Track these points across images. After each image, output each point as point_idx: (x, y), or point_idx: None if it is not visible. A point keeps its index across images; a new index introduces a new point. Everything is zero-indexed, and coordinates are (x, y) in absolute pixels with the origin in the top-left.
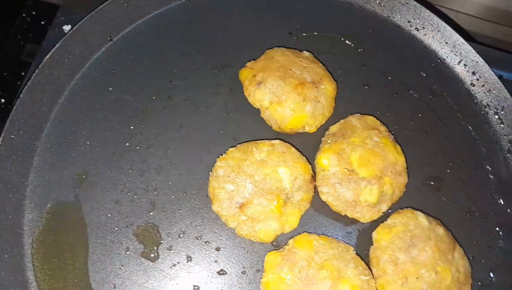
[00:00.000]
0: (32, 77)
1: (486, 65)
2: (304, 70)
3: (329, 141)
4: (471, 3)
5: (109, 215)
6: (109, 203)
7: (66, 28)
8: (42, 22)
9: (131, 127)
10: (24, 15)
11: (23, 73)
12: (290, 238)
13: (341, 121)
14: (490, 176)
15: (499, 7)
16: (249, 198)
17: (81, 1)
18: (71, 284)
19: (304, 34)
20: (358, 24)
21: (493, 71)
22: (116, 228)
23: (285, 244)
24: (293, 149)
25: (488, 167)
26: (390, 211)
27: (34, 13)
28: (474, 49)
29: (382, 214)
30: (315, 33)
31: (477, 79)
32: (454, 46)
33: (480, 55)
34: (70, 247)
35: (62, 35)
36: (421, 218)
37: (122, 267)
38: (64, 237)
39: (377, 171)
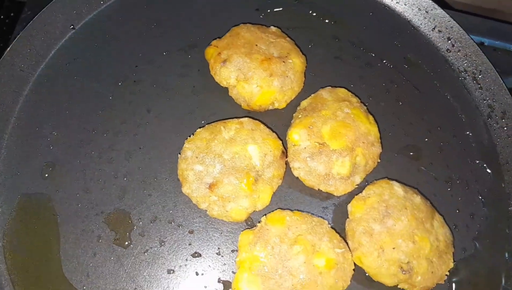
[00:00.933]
0: None
1: (461, 29)
2: (270, 45)
3: (300, 116)
4: None
5: (79, 204)
6: (79, 192)
7: None
8: (6, 21)
9: (98, 114)
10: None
11: None
12: (263, 216)
13: (312, 95)
14: (471, 142)
15: None
16: (219, 177)
17: None
18: (44, 275)
19: (271, 10)
20: None
21: (470, 36)
22: (87, 217)
23: (258, 222)
24: (262, 126)
25: (468, 133)
26: (366, 183)
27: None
28: (448, 14)
29: (357, 186)
30: (282, 8)
31: (453, 45)
32: (427, 12)
33: (460, 23)
34: (41, 238)
35: None
36: (397, 187)
37: (94, 255)
38: (35, 229)
39: (348, 143)
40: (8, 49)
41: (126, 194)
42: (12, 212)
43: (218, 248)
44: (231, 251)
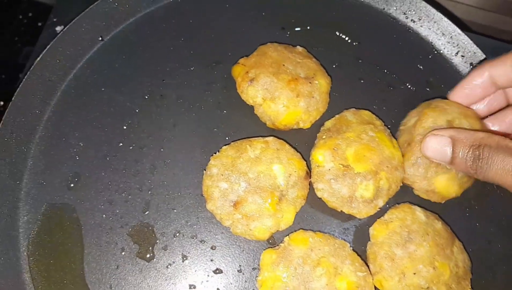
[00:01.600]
0: (24, 80)
1: (484, 55)
2: (297, 66)
3: (324, 137)
4: None
5: (103, 215)
6: (103, 204)
7: (59, 29)
8: (39, 24)
9: (124, 127)
10: (20, 17)
11: (20, 75)
12: (286, 236)
13: (336, 116)
14: None
15: None
16: (243, 196)
17: (75, 1)
18: (67, 285)
19: (297, 29)
20: (353, 17)
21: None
22: (111, 229)
23: (281, 242)
24: (287, 145)
25: None
26: (388, 206)
27: (30, 14)
28: (471, 40)
29: (379, 209)
30: (308, 28)
31: None
32: (451, 37)
33: (478, 46)
34: (65, 248)
35: (55, 36)
36: (419, 213)
37: (117, 268)
38: (59, 239)
39: (373, 166)
40: (38, 59)
41: (150, 208)
42: (37, 221)
43: (240, 266)
44: (252, 269)
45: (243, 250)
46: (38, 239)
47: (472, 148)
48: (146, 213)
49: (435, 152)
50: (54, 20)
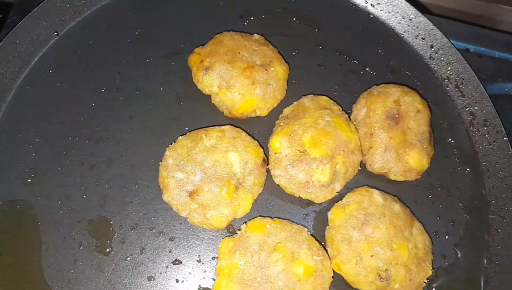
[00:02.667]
0: None
1: (445, 37)
2: (253, 53)
3: (281, 124)
4: None
5: (60, 211)
6: (60, 199)
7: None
8: None
9: (80, 121)
10: None
11: None
12: (242, 224)
13: (294, 103)
14: (453, 150)
15: None
16: (199, 185)
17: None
18: (26, 282)
19: (255, 17)
20: (313, 3)
21: (453, 44)
22: (68, 224)
23: (239, 230)
24: (243, 133)
25: (450, 140)
26: (348, 190)
27: None
28: (432, 22)
29: (337, 193)
30: (267, 16)
31: (436, 52)
32: (411, 20)
33: (445, 29)
34: (23, 245)
35: None
36: (376, 195)
37: (75, 262)
38: (17, 235)
39: (329, 151)
40: None
41: (108, 201)
42: None
43: (199, 256)
44: (212, 258)
45: (202, 240)
46: None
47: None
48: (104, 207)
49: None
50: (15, 17)
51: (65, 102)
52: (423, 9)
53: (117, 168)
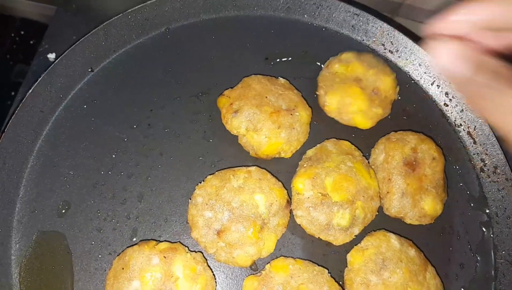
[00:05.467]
0: (16, 111)
1: None
2: (279, 98)
3: (305, 165)
4: None
5: (92, 243)
6: (92, 231)
7: (51, 56)
8: (31, 42)
9: (113, 156)
10: (12, 34)
11: (12, 93)
12: (268, 262)
13: (318, 145)
14: (464, 194)
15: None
16: (227, 225)
17: (68, 26)
18: None
19: (280, 60)
20: (333, 48)
21: None
22: (100, 256)
23: (263, 269)
24: (269, 175)
25: (461, 185)
26: (365, 232)
27: (22, 32)
28: None
29: (355, 237)
30: (290, 58)
31: (450, 100)
32: (427, 67)
33: None
34: (56, 275)
35: (46, 62)
36: (393, 240)
37: None
38: (50, 265)
39: (349, 196)
40: (30, 91)
41: (138, 235)
42: (28, 248)
43: None
44: None
45: (226, 277)
46: (30, 265)
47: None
48: (134, 239)
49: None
50: (46, 46)
51: (98, 137)
52: None
53: (147, 203)
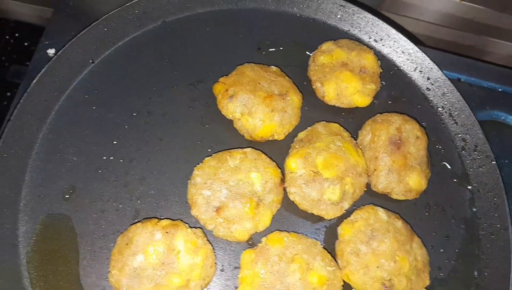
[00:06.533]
0: (22, 101)
1: (440, 70)
2: (272, 84)
3: (296, 147)
4: (430, 11)
5: (96, 224)
6: (96, 213)
7: (51, 51)
8: (26, 44)
9: (114, 142)
10: (7, 37)
11: (8, 94)
12: (264, 237)
13: (308, 128)
14: (448, 172)
15: (455, 14)
16: (225, 201)
17: (66, 24)
18: (64, 288)
19: (272, 49)
20: (322, 37)
21: (445, 75)
22: (104, 235)
23: (259, 242)
24: (263, 155)
25: (444, 163)
26: (354, 208)
27: (17, 35)
28: (428, 56)
29: (345, 211)
30: (282, 48)
31: (432, 84)
32: (410, 54)
33: (439, 60)
34: (62, 255)
35: (47, 57)
36: (381, 213)
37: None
38: (56, 246)
39: (339, 173)
40: (34, 81)
41: (140, 215)
42: (35, 230)
43: (222, 265)
44: (234, 268)
45: (225, 251)
46: (37, 247)
47: None
48: (136, 220)
49: None
50: (46, 42)
51: (100, 124)
52: (419, 41)
53: (148, 185)
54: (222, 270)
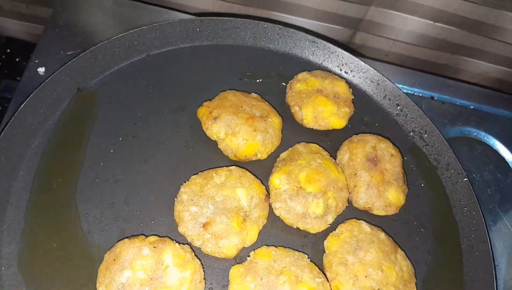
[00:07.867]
0: (8, 124)
1: (407, 97)
2: (253, 107)
3: (279, 165)
4: (406, 32)
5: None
6: (81, 233)
7: (41, 70)
8: (17, 59)
9: (101, 164)
10: None
11: None
12: (252, 251)
13: (290, 149)
14: (424, 190)
15: (429, 35)
16: (212, 217)
17: (56, 42)
18: None
19: (252, 80)
20: (297, 70)
21: (413, 102)
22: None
23: (247, 256)
24: (248, 173)
25: (420, 183)
26: (337, 223)
27: (8, 50)
28: (396, 86)
29: (329, 225)
30: (260, 80)
31: (401, 110)
32: (378, 84)
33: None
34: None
35: (37, 75)
36: (364, 225)
37: None
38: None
39: (321, 187)
40: (22, 106)
41: (126, 235)
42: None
43: (211, 284)
44: (222, 286)
45: (213, 270)
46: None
47: None
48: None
49: None
50: (36, 61)
51: (85, 148)
52: (397, 60)
53: (134, 205)
54: (210, 289)
